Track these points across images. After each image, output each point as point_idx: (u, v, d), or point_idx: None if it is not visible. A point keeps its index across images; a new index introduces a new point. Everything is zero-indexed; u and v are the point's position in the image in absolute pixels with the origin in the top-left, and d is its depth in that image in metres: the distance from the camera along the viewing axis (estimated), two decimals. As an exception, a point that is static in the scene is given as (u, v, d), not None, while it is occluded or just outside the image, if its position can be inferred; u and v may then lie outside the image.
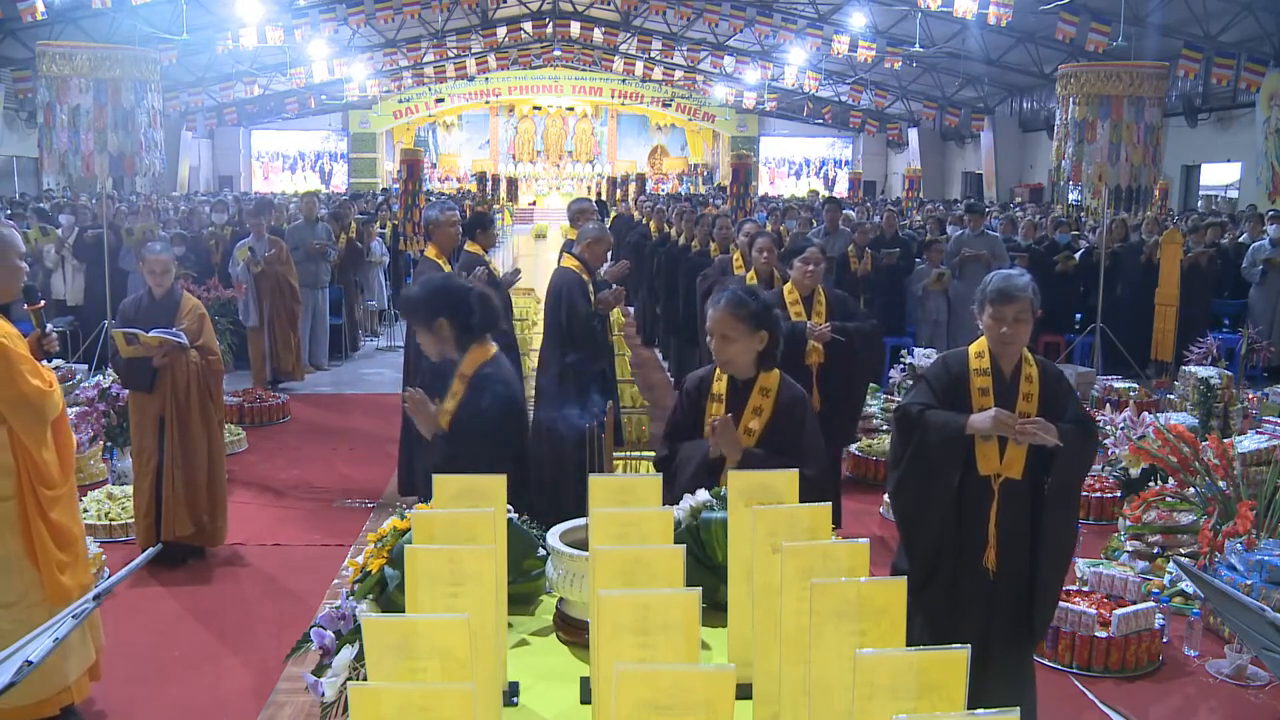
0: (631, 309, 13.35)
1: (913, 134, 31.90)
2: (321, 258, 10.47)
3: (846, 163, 37.02)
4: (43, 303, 3.89)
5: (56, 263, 10.77)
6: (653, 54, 30.86)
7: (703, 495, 2.56)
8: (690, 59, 30.29)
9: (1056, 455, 3.14)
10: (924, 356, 7.28)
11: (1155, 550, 5.43)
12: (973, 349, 3.31)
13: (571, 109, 37.97)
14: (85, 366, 8.09)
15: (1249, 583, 4.54)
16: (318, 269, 10.48)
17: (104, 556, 5.20)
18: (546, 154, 38.20)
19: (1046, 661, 4.52)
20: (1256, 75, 17.13)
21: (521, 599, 2.46)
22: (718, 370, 3.29)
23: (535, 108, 37.82)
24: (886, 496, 6.09)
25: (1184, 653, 4.66)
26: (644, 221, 14.77)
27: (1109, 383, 8.94)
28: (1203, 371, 7.55)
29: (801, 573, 1.77)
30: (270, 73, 27.77)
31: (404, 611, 1.85)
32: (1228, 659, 4.50)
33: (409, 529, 2.28)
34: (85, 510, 5.69)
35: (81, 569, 3.66)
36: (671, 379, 9.93)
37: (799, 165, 37.73)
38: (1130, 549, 5.50)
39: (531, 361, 7.71)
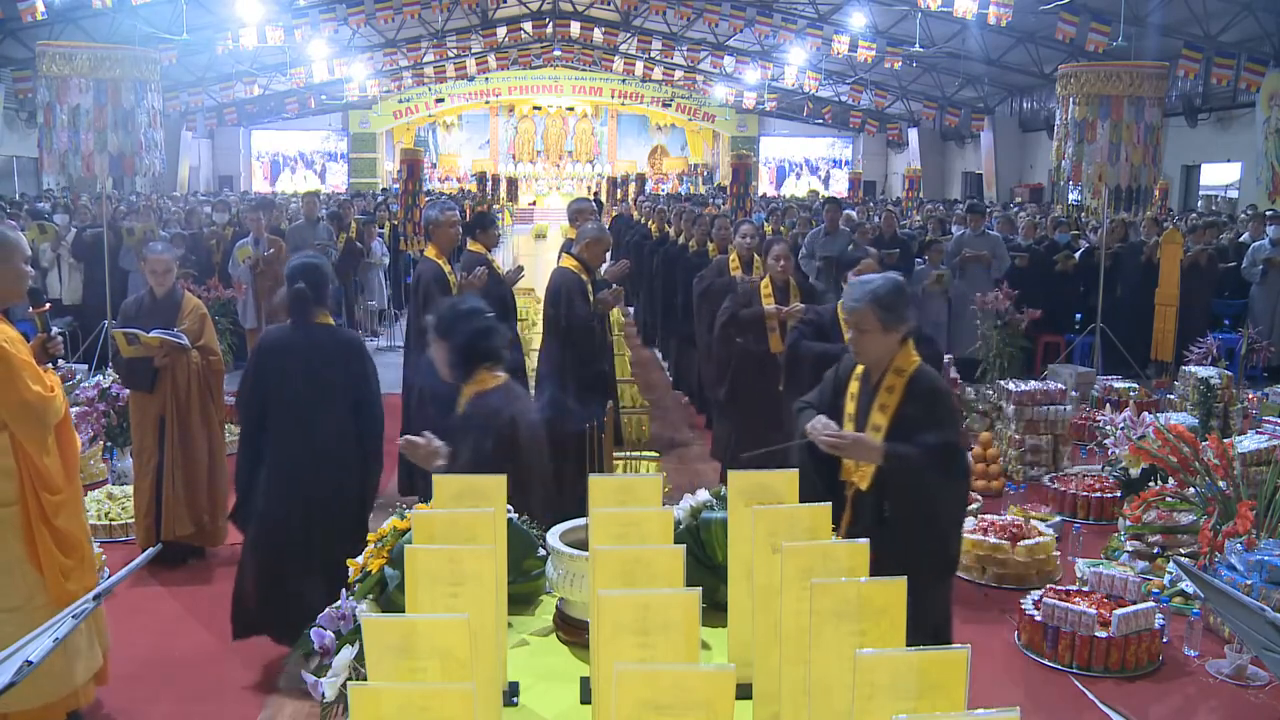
0: (631, 309, 13.35)
1: (913, 134, 31.90)
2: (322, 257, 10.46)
3: (846, 163, 37.02)
4: (48, 305, 3.88)
5: (52, 261, 10.77)
6: (653, 54, 30.85)
7: (703, 495, 2.56)
8: (690, 59, 30.29)
9: (888, 473, 3.06)
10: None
11: (1155, 550, 5.43)
12: None
13: (571, 109, 37.96)
14: (85, 366, 8.09)
15: (1249, 583, 4.54)
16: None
17: (104, 556, 5.20)
18: (546, 154, 38.20)
19: (1046, 661, 4.53)
20: (1256, 75, 17.13)
21: (521, 599, 2.46)
22: None
23: (535, 108, 37.82)
24: None
25: (1184, 653, 4.65)
26: (644, 222, 14.78)
27: (1109, 383, 8.94)
28: (1203, 371, 7.55)
29: (801, 573, 1.77)
30: (270, 73, 27.76)
31: (404, 611, 1.85)
32: (1228, 659, 4.50)
33: (409, 529, 2.28)
34: (85, 510, 5.69)
35: (87, 573, 3.65)
36: (671, 379, 9.92)
37: (790, 167, 37.65)
38: (1130, 549, 5.50)
39: (531, 362, 7.70)
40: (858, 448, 3.03)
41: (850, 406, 3.19)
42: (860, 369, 3.22)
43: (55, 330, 3.74)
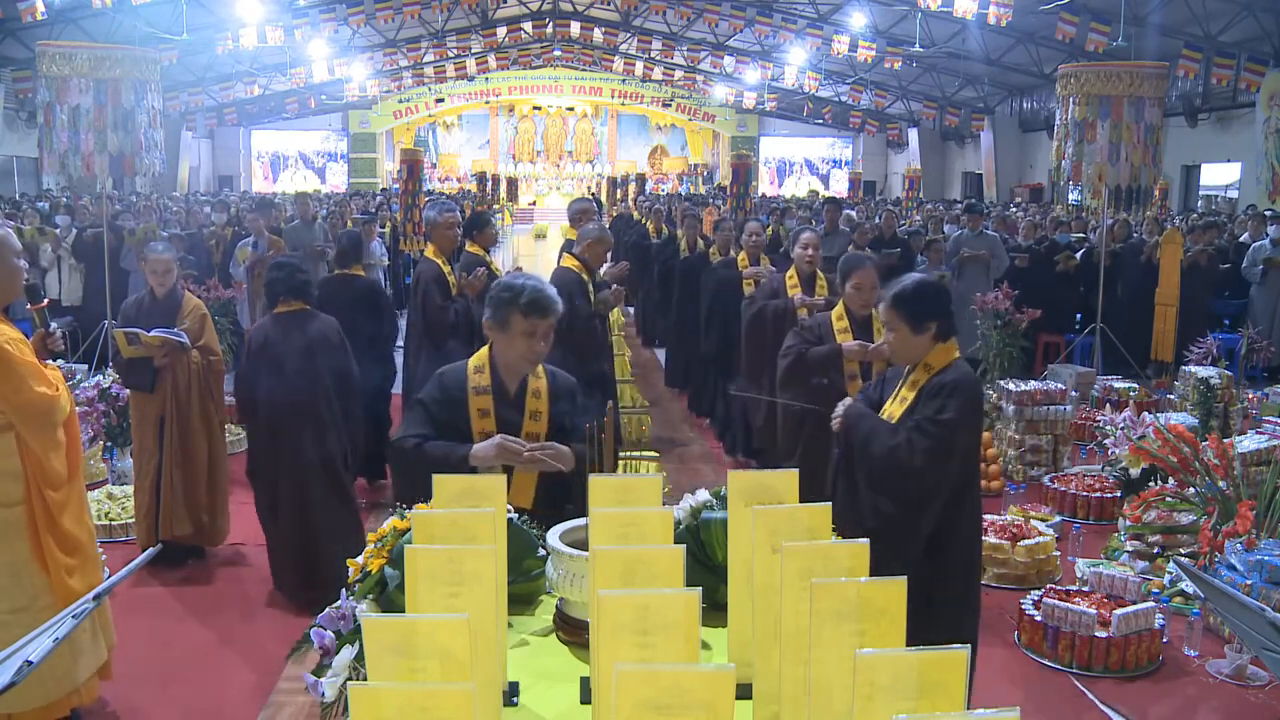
0: (631, 309, 13.34)
1: (913, 134, 31.91)
2: (320, 258, 10.46)
3: (846, 163, 37.03)
4: (46, 301, 3.88)
5: (52, 262, 10.77)
6: (653, 54, 30.86)
7: (703, 495, 2.55)
8: (690, 59, 30.30)
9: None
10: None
11: (1155, 550, 5.44)
12: (472, 362, 3.07)
13: (571, 109, 37.97)
14: (85, 366, 8.09)
15: (1249, 583, 4.54)
16: (316, 269, 10.46)
17: (104, 556, 5.19)
18: (546, 154, 38.22)
19: (1046, 661, 4.53)
20: (1256, 75, 17.13)
21: (521, 599, 2.46)
22: None
23: (535, 108, 37.83)
24: None
25: (1184, 653, 4.66)
26: (643, 222, 14.75)
27: (1109, 383, 8.94)
28: (1203, 371, 7.55)
29: (801, 573, 1.77)
30: (270, 73, 27.77)
31: (404, 611, 1.85)
32: (1228, 659, 4.50)
33: (409, 529, 2.28)
34: (89, 509, 5.69)
35: (91, 571, 3.65)
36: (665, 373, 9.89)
37: (789, 168, 37.65)
38: (1130, 549, 5.50)
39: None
40: (549, 455, 2.83)
41: (484, 423, 2.93)
42: (481, 379, 3.00)
43: (55, 326, 3.73)
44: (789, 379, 4.56)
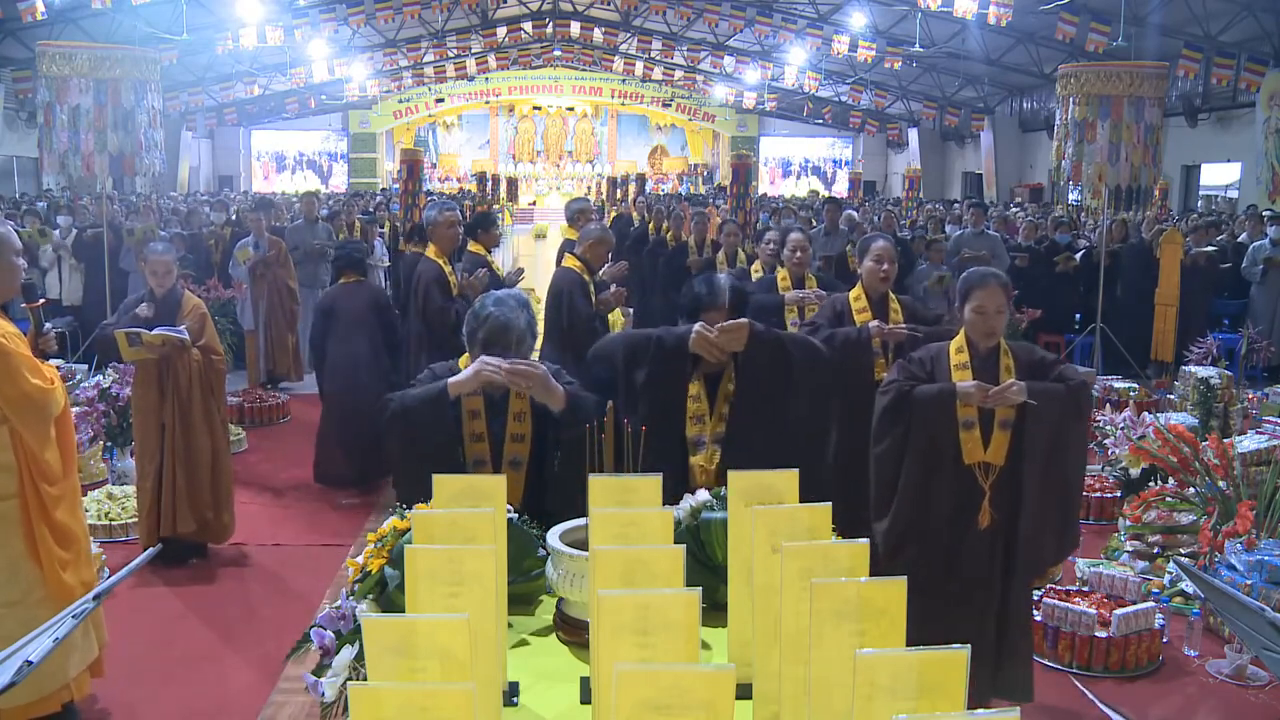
0: (631, 309, 13.31)
1: (913, 134, 31.90)
2: (321, 258, 10.47)
3: (846, 163, 37.02)
4: (42, 301, 3.88)
5: (53, 262, 10.77)
6: (653, 54, 30.86)
7: (703, 495, 2.55)
8: (690, 59, 30.29)
9: None
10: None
11: (1155, 550, 5.44)
12: (463, 361, 3.08)
13: (571, 109, 37.96)
14: (85, 366, 8.08)
15: (1249, 583, 4.54)
16: (316, 269, 10.47)
17: (104, 556, 5.20)
18: (546, 154, 38.20)
19: (1047, 661, 4.53)
20: (1256, 75, 17.13)
21: (521, 599, 2.46)
22: None
23: (535, 108, 37.83)
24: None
25: (1184, 653, 4.66)
26: (641, 221, 14.68)
27: (1109, 383, 8.94)
28: (1203, 371, 7.55)
29: (801, 573, 1.77)
30: (270, 73, 27.76)
31: (404, 611, 1.85)
32: (1228, 659, 4.50)
33: (409, 529, 2.28)
34: (85, 510, 5.69)
35: (84, 566, 3.65)
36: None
37: (788, 168, 37.66)
38: (1130, 549, 5.50)
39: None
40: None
41: (475, 425, 3.01)
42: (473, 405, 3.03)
43: (49, 327, 3.74)
44: (888, 424, 3.53)
